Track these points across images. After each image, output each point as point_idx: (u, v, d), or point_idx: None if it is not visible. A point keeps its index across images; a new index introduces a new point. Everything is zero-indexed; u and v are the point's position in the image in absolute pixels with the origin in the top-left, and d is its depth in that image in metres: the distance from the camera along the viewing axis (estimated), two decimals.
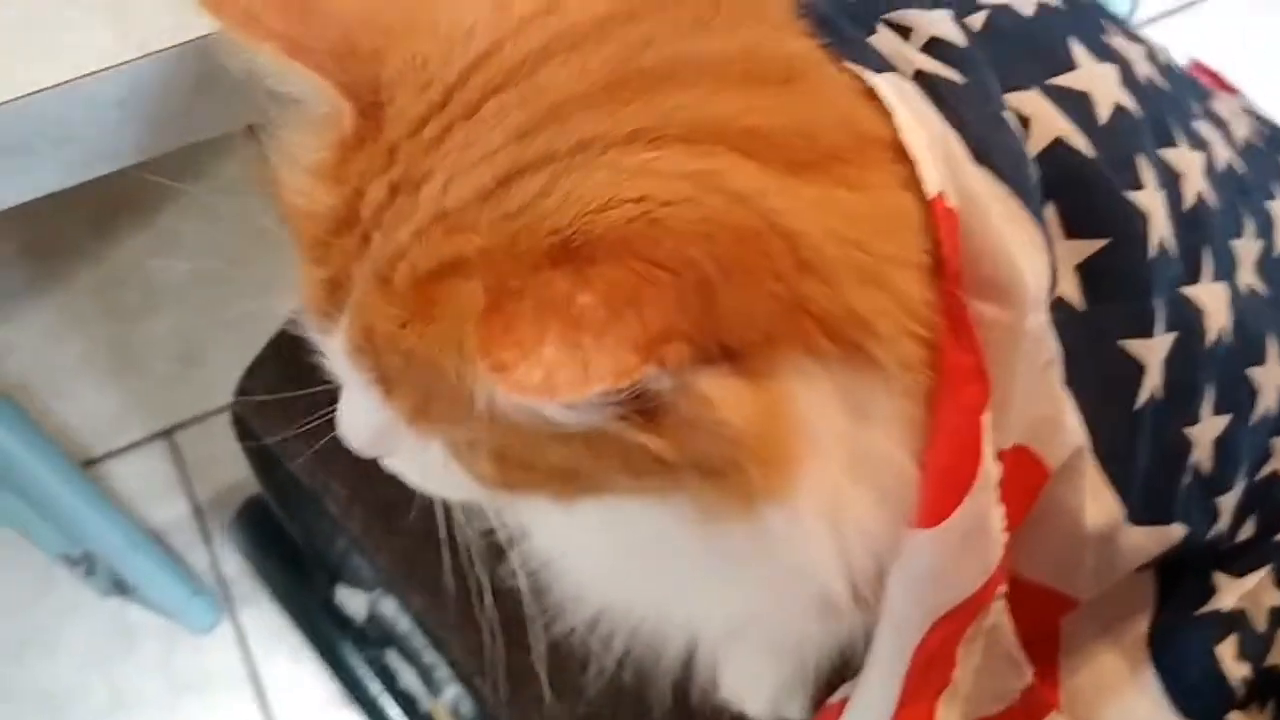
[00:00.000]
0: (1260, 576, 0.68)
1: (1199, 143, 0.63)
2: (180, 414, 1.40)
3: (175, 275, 1.45)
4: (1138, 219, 0.56)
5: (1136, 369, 0.56)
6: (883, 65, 0.51)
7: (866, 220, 0.45)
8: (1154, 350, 0.56)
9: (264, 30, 0.45)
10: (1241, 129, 0.71)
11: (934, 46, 0.54)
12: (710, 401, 0.41)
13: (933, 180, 0.47)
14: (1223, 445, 0.61)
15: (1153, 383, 0.56)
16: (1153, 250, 0.56)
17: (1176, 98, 0.64)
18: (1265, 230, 0.66)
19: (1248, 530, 0.67)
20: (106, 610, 1.30)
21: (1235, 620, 0.68)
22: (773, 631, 0.65)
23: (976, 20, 0.58)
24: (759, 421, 0.42)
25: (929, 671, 0.55)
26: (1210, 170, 0.62)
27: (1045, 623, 0.63)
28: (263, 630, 1.29)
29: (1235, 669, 0.68)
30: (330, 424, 0.55)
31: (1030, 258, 0.50)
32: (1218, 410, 0.60)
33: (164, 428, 1.40)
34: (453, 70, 0.45)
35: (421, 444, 0.49)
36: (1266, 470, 0.67)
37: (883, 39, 0.54)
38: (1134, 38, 0.65)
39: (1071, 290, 0.55)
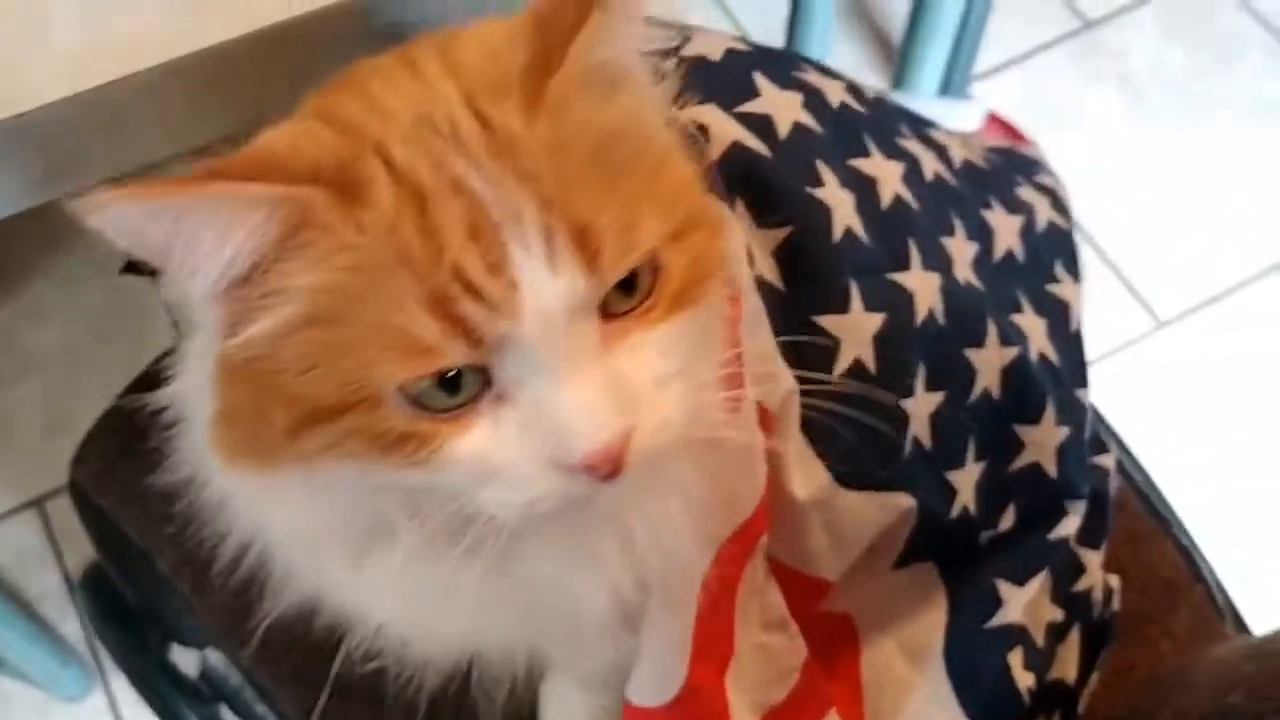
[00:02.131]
0: (1039, 583, 0.73)
1: (899, 155, 0.69)
2: (49, 483, 1.40)
3: (43, 343, 1.46)
4: (820, 210, 0.62)
5: (832, 342, 0.62)
6: None
7: None
8: (852, 326, 0.62)
9: (193, 182, 0.42)
10: (966, 153, 0.77)
11: None
12: None
13: None
14: (940, 420, 0.66)
15: (854, 355, 0.62)
16: (837, 236, 0.62)
17: (879, 120, 0.71)
18: (980, 235, 0.72)
19: (1009, 519, 0.72)
20: None
21: (1021, 633, 0.73)
22: (579, 659, 0.68)
23: (667, 68, 0.64)
24: None
25: (714, 624, 0.59)
26: (912, 178, 0.68)
27: (825, 626, 0.67)
28: (133, 696, 1.29)
29: (1023, 678, 0.73)
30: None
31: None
32: (931, 386, 0.66)
33: (33, 497, 1.40)
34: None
35: (648, 340, 0.46)
36: (1024, 461, 0.71)
37: None
38: (833, 75, 0.72)
39: (771, 274, 0.61)
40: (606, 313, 0.46)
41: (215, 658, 0.78)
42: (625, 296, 0.46)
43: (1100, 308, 1.49)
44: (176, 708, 0.80)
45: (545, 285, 0.43)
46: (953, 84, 1.40)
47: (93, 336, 1.45)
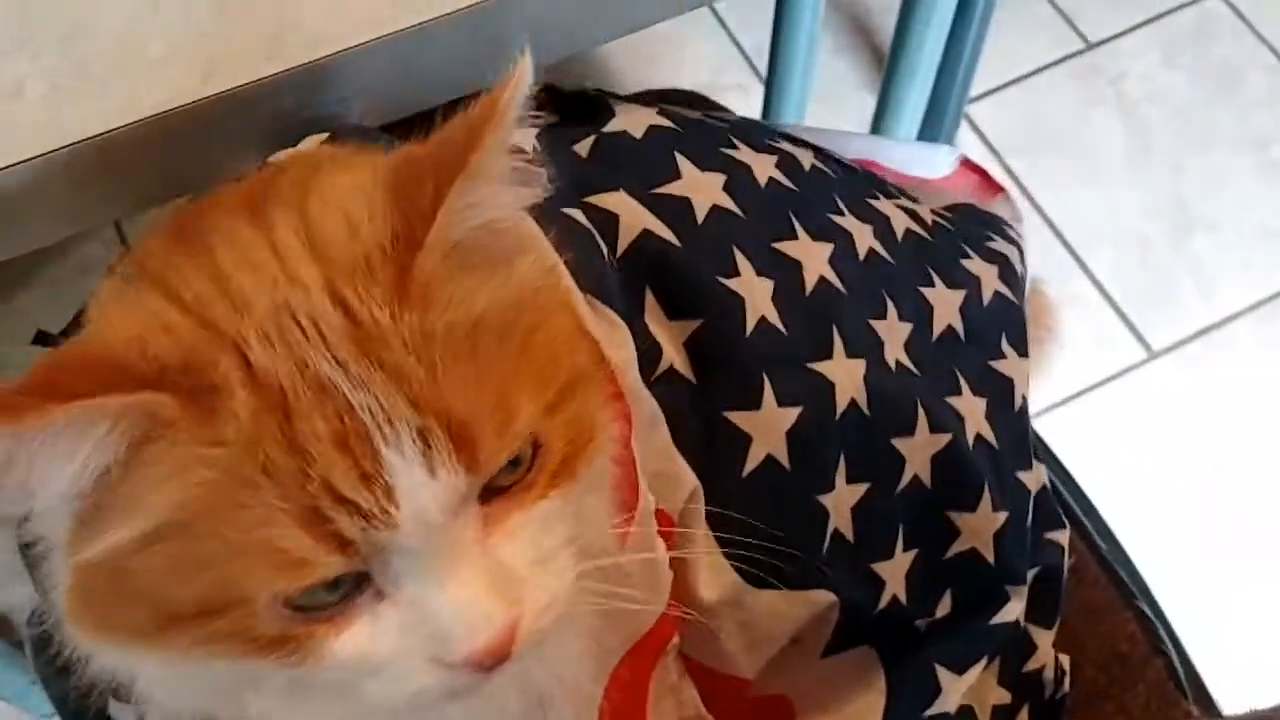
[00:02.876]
0: (979, 670, 0.70)
1: (829, 234, 0.66)
2: None
3: (23, 357, 1.45)
4: (733, 301, 0.60)
5: (743, 439, 0.59)
6: None
7: None
8: (765, 421, 0.60)
9: (27, 404, 0.38)
10: (910, 222, 0.74)
11: None
12: None
13: None
14: (864, 512, 0.64)
15: (765, 451, 0.59)
16: (750, 328, 0.60)
17: (813, 197, 0.68)
18: (917, 313, 0.69)
19: (945, 606, 0.69)
20: None
21: (964, 717, 0.71)
22: None
23: (584, 146, 0.63)
24: None
25: None
26: (842, 257, 0.66)
27: (760, 708, 0.65)
28: None
29: None
30: None
31: (611, 337, 0.55)
32: (854, 479, 0.63)
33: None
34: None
35: (528, 518, 0.45)
36: (960, 548, 0.69)
37: None
38: (770, 149, 0.69)
39: (682, 365, 0.59)
40: (487, 489, 0.44)
41: (151, 714, 0.77)
42: (507, 471, 0.44)
43: (1093, 336, 1.48)
44: None
45: (423, 490, 0.41)
46: (947, 110, 1.37)
47: None
